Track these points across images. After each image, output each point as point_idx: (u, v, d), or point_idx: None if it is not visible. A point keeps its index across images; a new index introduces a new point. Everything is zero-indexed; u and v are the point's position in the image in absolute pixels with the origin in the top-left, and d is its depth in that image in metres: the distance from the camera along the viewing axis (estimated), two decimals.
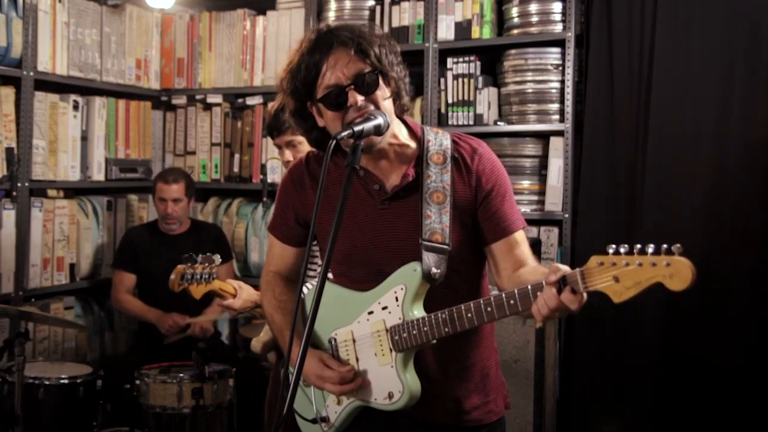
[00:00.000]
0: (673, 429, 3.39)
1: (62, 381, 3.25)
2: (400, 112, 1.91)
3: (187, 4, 4.61)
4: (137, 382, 3.38)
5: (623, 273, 1.48)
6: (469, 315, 1.71)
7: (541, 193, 3.72)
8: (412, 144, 1.91)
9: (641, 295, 1.48)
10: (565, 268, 1.58)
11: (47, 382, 3.22)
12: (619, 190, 3.55)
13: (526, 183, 3.74)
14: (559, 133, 3.67)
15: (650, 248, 1.46)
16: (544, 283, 1.59)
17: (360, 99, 1.78)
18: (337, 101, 1.79)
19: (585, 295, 1.55)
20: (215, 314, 4.02)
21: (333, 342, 1.92)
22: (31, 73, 3.73)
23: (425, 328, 1.76)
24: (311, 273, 2.56)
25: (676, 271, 1.43)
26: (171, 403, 3.32)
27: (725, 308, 3.27)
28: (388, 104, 1.83)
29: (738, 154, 3.30)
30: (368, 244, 1.88)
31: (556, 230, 3.68)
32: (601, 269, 1.51)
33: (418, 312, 1.81)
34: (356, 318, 1.88)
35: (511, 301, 1.65)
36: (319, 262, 2.51)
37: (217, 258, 2.61)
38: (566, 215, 3.65)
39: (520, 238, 1.89)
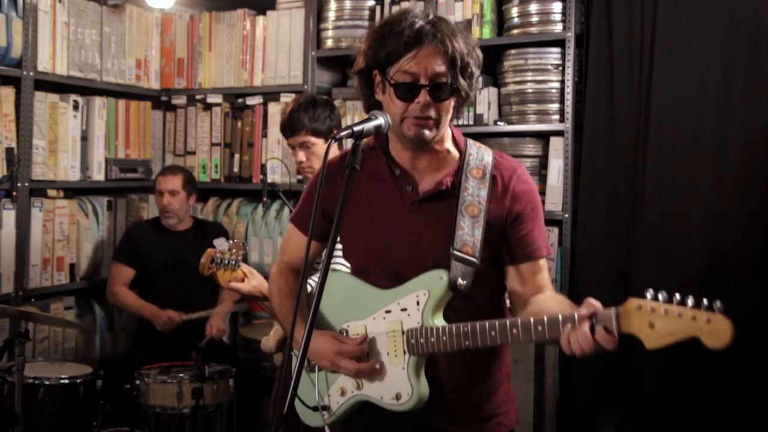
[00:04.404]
0: (674, 429, 3.39)
1: (62, 381, 3.26)
2: (455, 118, 1.92)
3: (187, 4, 4.61)
4: (137, 382, 3.38)
5: (660, 321, 1.46)
6: (493, 333, 1.70)
7: (541, 193, 3.71)
8: (455, 153, 1.92)
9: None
10: (598, 304, 1.56)
11: (47, 382, 3.22)
12: (619, 190, 3.55)
13: None
14: (559, 133, 3.67)
15: (690, 300, 1.44)
16: (576, 316, 1.57)
17: (428, 101, 1.78)
18: (407, 93, 1.79)
19: (616, 335, 1.52)
20: (224, 310, 4.02)
21: (345, 333, 1.92)
22: (31, 73, 3.73)
23: (444, 338, 1.76)
24: (317, 267, 2.54)
25: (715, 330, 1.42)
26: (171, 403, 3.33)
27: (726, 308, 3.26)
28: (450, 114, 1.84)
29: (738, 153, 3.30)
30: (391, 244, 1.88)
31: (556, 230, 3.68)
32: (639, 313, 1.49)
33: (438, 320, 1.80)
34: (372, 314, 1.88)
35: (539, 327, 1.63)
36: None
37: (246, 245, 2.61)
38: (566, 215, 3.65)
39: (543, 264, 1.90)
